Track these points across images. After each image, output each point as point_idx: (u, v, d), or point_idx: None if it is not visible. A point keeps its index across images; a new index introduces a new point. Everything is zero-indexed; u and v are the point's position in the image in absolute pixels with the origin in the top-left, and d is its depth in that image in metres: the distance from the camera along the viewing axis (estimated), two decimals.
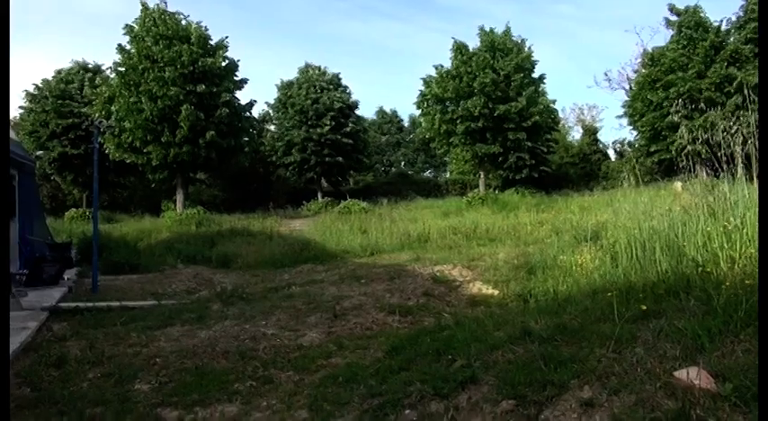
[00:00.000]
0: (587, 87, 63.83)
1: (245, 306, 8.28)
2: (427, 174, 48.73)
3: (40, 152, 27.77)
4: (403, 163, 49.27)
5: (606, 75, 50.95)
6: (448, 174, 45.57)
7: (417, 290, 8.94)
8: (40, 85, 29.49)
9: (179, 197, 25.68)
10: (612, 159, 38.01)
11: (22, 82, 59.02)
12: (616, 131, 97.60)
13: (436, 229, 16.46)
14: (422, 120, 31.53)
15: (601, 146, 39.20)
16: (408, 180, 39.73)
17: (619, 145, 40.11)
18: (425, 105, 29.75)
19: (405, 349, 5.28)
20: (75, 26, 76.95)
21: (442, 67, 29.47)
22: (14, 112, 29.92)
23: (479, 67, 27.39)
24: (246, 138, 27.16)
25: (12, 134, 13.82)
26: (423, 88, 29.65)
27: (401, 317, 7.22)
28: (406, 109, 79.98)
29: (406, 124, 51.65)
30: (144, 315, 7.76)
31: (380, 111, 51.54)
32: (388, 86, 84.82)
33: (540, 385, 3.67)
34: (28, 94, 29.39)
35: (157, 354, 5.82)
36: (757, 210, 4.33)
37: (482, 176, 30.29)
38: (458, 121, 27.88)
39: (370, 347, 5.85)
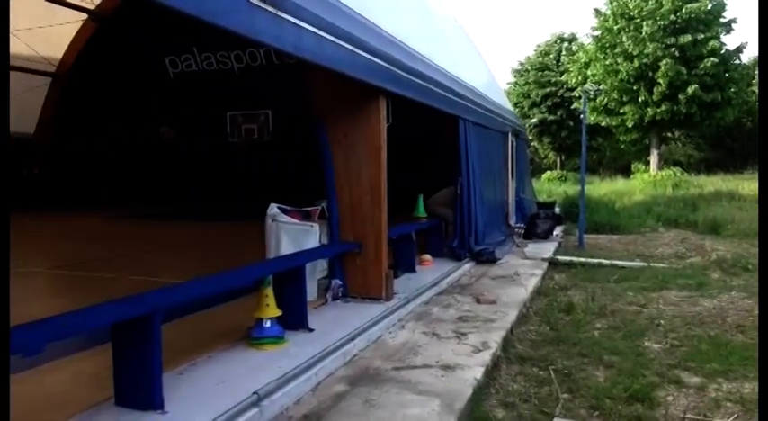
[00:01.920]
0: None
1: (752, 278, 7.32)
2: None
3: (534, 120, 31.16)
4: None
5: None
6: None
7: None
8: (523, 61, 33.08)
9: (653, 158, 24.76)
10: None
11: (510, 61, 67.39)
12: None
13: None
14: None
15: None
16: None
17: None
18: None
19: None
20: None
21: None
22: (503, 86, 34.50)
23: None
24: (734, 89, 23.73)
25: (509, 106, 15.92)
26: None
27: None
28: None
29: None
30: (634, 275, 7.77)
31: None
32: None
33: None
34: (513, 70, 33.46)
35: (659, 316, 5.74)
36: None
37: None
38: None
39: None
